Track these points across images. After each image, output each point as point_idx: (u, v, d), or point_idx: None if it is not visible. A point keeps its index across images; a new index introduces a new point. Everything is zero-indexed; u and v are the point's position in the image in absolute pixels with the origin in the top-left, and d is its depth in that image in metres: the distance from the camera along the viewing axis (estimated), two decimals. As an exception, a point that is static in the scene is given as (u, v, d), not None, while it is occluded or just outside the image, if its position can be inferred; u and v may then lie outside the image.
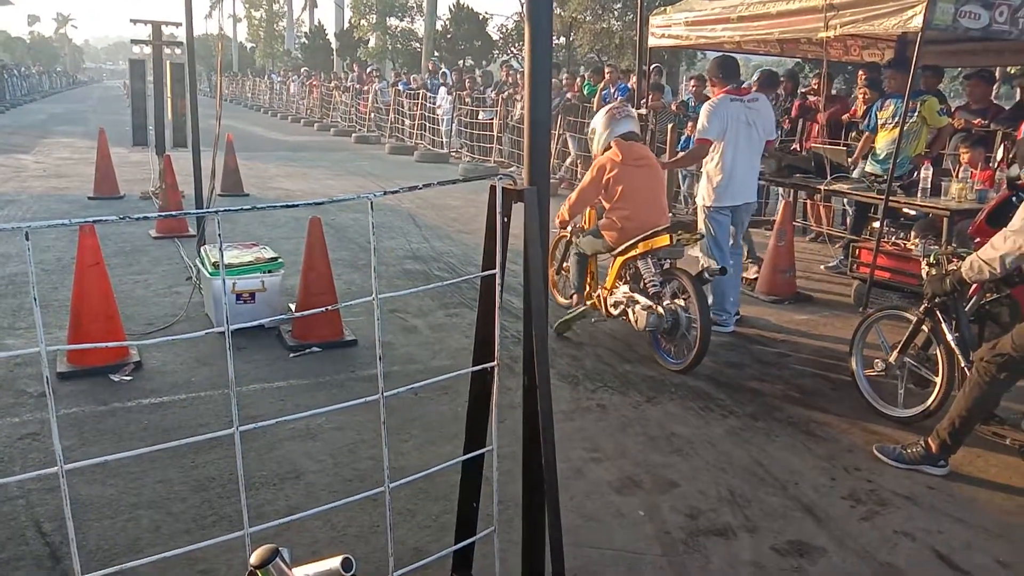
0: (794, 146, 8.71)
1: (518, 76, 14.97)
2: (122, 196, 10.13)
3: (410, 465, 3.39)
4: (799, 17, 6.02)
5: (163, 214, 1.68)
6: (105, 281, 4.46)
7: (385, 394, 1.90)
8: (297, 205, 1.96)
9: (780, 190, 8.35)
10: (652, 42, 8.11)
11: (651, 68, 12.51)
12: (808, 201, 8.56)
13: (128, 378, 4.32)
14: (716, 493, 3.27)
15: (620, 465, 3.49)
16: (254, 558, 1.55)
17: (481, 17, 27.07)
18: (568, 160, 12.59)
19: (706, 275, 4.75)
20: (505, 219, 2.09)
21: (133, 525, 2.94)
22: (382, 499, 2.02)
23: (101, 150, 10.23)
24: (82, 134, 18.79)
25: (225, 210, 1.73)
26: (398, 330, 5.22)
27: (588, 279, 5.32)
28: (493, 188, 2.07)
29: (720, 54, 6.20)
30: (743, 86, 5.60)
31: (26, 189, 10.74)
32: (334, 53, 35.64)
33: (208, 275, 5.13)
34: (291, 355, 4.75)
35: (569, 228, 5.66)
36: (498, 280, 2.07)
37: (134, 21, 8.99)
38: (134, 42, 9.01)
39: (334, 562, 1.58)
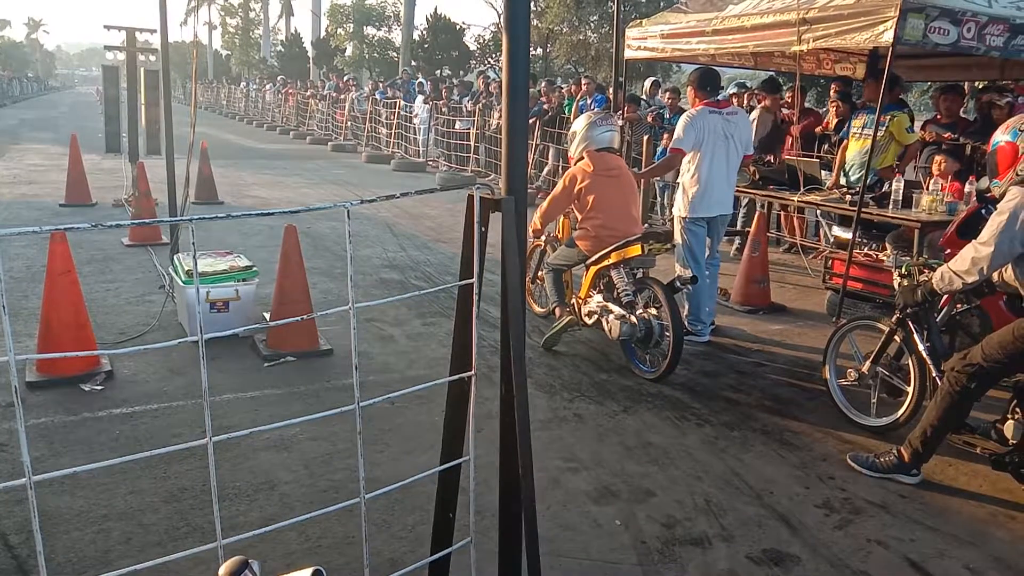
0: (768, 158, 8.80)
1: (494, 86, 15.02)
2: (94, 203, 9.99)
3: (386, 475, 3.36)
4: (773, 31, 6.10)
5: (136, 221, 1.66)
6: (76, 289, 4.40)
7: (361, 404, 1.88)
8: (272, 213, 1.95)
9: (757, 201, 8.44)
10: (628, 54, 8.17)
11: (650, 82, 12.61)
12: (782, 212, 8.66)
13: (99, 387, 4.25)
14: (692, 502, 3.29)
15: (597, 474, 3.50)
16: (223, 570, 1.53)
17: (458, 27, 27.15)
18: (545, 170, 12.63)
19: (677, 283, 4.78)
20: (483, 229, 2.09)
21: (103, 537, 2.89)
22: (357, 510, 2.00)
23: (73, 157, 10.09)
24: (53, 140, 18.54)
25: (199, 218, 1.71)
26: (375, 339, 5.19)
27: (567, 290, 5.33)
28: (471, 197, 2.07)
29: (699, 66, 6.26)
30: (721, 99, 5.66)
31: (-5, 196, 10.57)
32: (310, 61, 35.53)
33: (182, 283, 5.07)
34: (266, 364, 4.71)
35: (543, 237, 5.68)
36: (475, 289, 2.07)
37: (108, 27, 8.91)
38: (107, 48, 8.93)
39: (305, 574, 1.56)
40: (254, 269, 5.24)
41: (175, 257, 5.52)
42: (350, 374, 4.53)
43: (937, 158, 6.41)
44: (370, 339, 5.17)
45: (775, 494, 3.38)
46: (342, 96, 22.12)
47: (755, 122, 8.38)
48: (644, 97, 11.83)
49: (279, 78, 32.03)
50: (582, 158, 5.10)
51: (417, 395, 4.10)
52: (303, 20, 43.44)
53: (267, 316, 5.27)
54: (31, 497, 1.56)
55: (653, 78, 14.06)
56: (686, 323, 5.16)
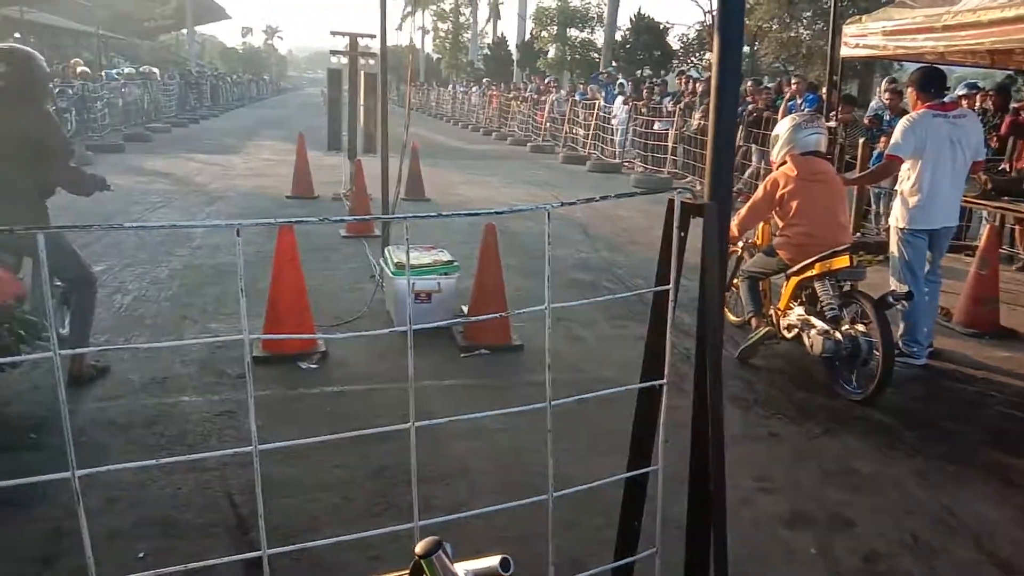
0: (1003, 166, 7.93)
1: (696, 85, 14.67)
2: (316, 197, 10.90)
3: (572, 475, 3.39)
4: (1016, 26, 5.48)
5: (358, 217, 1.79)
6: (299, 276, 4.82)
7: (552, 403, 1.92)
8: (478, 214, 2.03)
9: (984, 213, 7.63)
10: (845, 52, 7.67)
11: (886, 82, 11.77)
12: (1017, 227, 7.76)
13: (315, 367, 4.63)
14: (897, 537, 3.04)
15: (791, 498, 3.32)
16: (419, 548, 1.62)
17: (662, 27, 26.77)
18: (747, 172, 12.17)
19: (890, 299, 4.41)
20: (682, 234, 2.05)
21: (312, 505, 3.15)
22: (544, 506, 2.04)
23: (299, 153, 11.08)
24: (283, 137, 20.41)
25: (413, 216, 1.82)
26: (565, 339, 5.25)
27: (765, 300, 5.11)
28: (671, 202, 2.04)
29: (922, 65, 5.76)
30: (947, 101, 5.17)
31: (233, 187, 11.83)
32: (514, 64, 36.54)
33: (391, 274, 5.41)
34: (462, 355, 4.92)
35: (740, 243, 5.47)
36: (671, 296, 2.04)
37: (334, 33, 9.68)
38: (333, 53, 9.69)
39: (493, 561, 1.62)
40: (455, 264, 5.48)
41: (386, 249, 5.90)
42: (539, 370, 4.64)
43: None
44: (560, 338, 5.24)
45: (995, 538, 3.04)
46: (543, 98, 22.56)
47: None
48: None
49: (484, 80, 33.25)
50: (784, 162, 4.86)
51: (605, 397, 4.10)
52: (509, 24, 44.87)
53: (465, 309, 5.49)
54: (256, 464, 1.73)
55: (890, 75, 13.06)
56: (899, 343, 4.78)
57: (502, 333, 5.10)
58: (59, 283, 4.29)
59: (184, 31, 47.73)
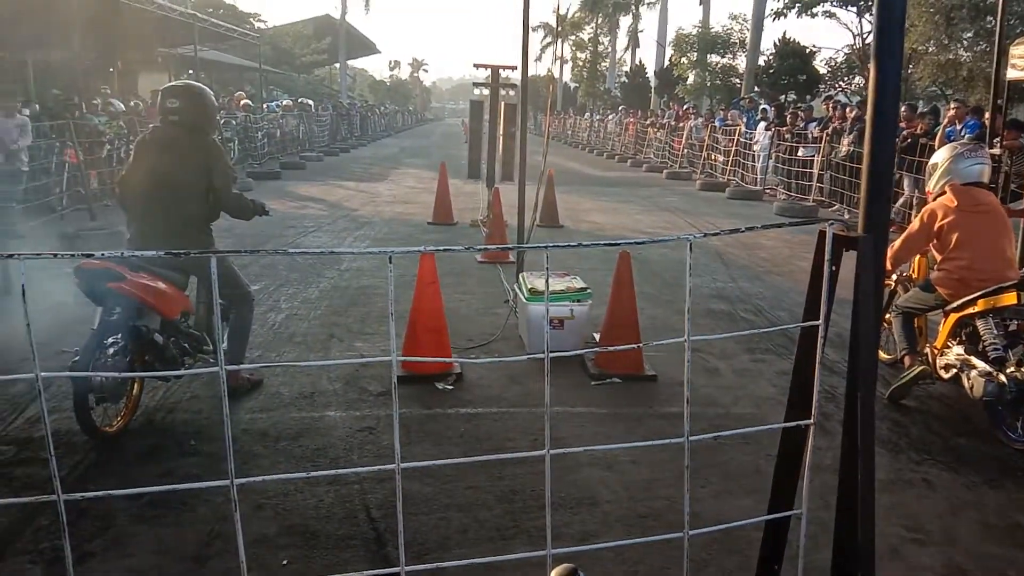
0: None
1: (846, 111, 14.05)
2: (455, 223, 11.22)
3: (706, 512, 3.30)
4: None
5: (503, 246, 1.84)
6: (438, 299, 4.97)
7: (691, 438, 1.88)
8: (618, 244, 2.02)
9: None
10: (1012, 74, 7.14)
11: None
12: None
13: (450, 387, 4.75)
14: (1073, 606, 2.75)
15: (947, 552, 3.08)
16: (554, 574, 1.64)
17: (807, 51, 25.85)
18: (899, 202, 11.50)
19: (1066, 341, 4.04)
20: (833, 268, 1.96)
21: (444, 525, 3.22)
22: (677, 542, 1.99)
23: (441, 181, 11.47)
24: (425, 166, 21.20)
25: (554, 245, 1.84)
26: (700, 371, 5.12)
27: (920, 337, 4.79)
28: (822, 233, 1.96)
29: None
30: None
31: (379, 213, 12.37)
32: (652, 91, 36.33)
33: (524, 300, 5.48)
34: (592, 383, 4.89)
35: (893, 277, 5.16)
36: (821, 333, 1.95)
37: (477, 65, 9.99)
38: (475, 85, 10.00)
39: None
40: (588, 291, 5.48)
41: (520, 275, 5.98)
42: (673, 401, 4.56)
43: None
44: (696, 370, 5.12)
45: None
46: (681, 124, 22.29)
47: None
48: None
49: (620, 108, 33.20)
50: (943, 192, 4.57)
51: (742, 434, 3.97)
52: (648, 51, 44.70)
53: (596, 336, 5.47)
54: (398, 481, 1.78)
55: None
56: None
57: (635, 363, 5.04)
58: (221, 301, 4.62)
59: (337, 65, 50.64)
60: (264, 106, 24.20)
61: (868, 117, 1.92)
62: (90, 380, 3.68)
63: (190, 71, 22.16)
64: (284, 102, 26.55)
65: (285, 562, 2.95)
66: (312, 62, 43.58)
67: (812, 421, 1.99)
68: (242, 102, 20.95)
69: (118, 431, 3.94)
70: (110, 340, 3.87)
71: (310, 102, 28.26)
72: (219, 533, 3.11)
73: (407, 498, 3.41)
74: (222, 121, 15.98)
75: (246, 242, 9.13)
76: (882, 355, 5.29)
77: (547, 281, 1.65)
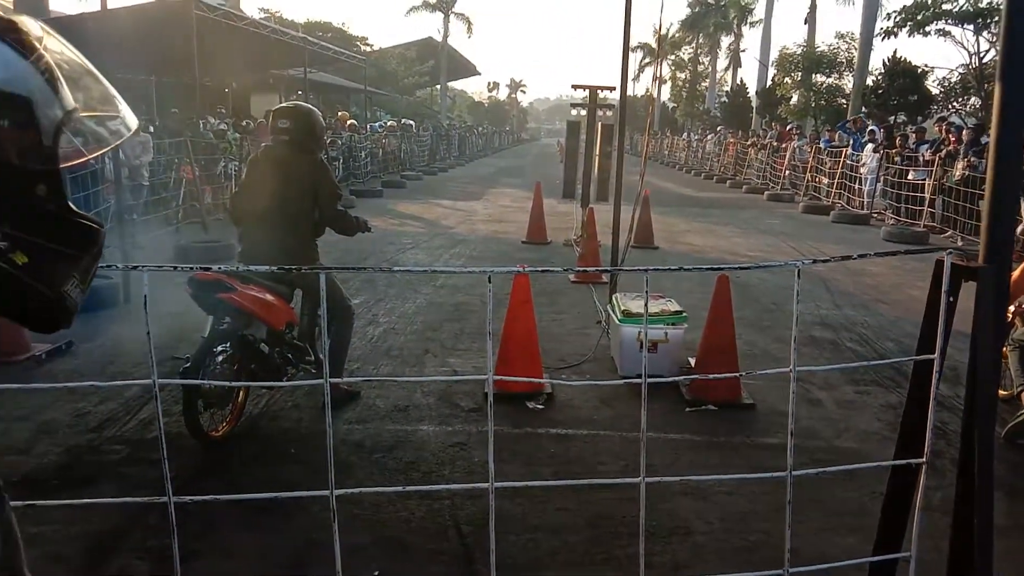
0: None
1: (963, 134, 13.37)
2: (549, 242, 11.25)
3: (805, 549, 3.16)
4: None
5: (603, 268, 1.83)
6: (531, 318, 4.98)
7: (794, 472, 1.81)
8: (720, 268, 1.99)
9: None
10: None
11: None
12: None
13: (541, 407, 4.74)
14: None
15: (1073, 607, 2.85)
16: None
17: (919, 70, 24.77)
18: (1020, 228, 10.81)
19: None
20: (950, 299, 1.87)
21: (533, 546, 3.20)
22: (777, 580, 1.92)
23: (535, 201, 11.54)
24: (520, 185, 21.38)
25: (654, 269, 1.82)
26: (801, 401, 4.94)
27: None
28: (939, 263, 1.87)
29: None
30: None
31: (475, 231, 12.55)
32: (753, 111, 35.58)
33: (617, 321, 5.42)
34: (687, 409, 4.79)
35: (1012, 308, 4.85)
36: (936, 367, 1.85)
37: (575, 87, 10.04)
38: (573, 105, 10.06)
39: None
40: (684, 314, 5.38)
41: (613, 296, 5.93)
42: (771, 431, 4.41)
43: None
44: (797, 400, 4.93)
45: None
46: (783, 145, 21.73)
47: None
48: None
49: (719, 128, 32.63)
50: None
51: (846, 470, 3.80)
52: (749, 70, 43.84)
53: (691, 361, 5.36)
54: (491, 501, 1.80)
55: None
56: None
57: (732, 390, 4.90)
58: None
59: (438, 86, 51.89)
60: (368, 126, 25.01)
61: (992, 138, 1.82)
62: (199, 386, 3.87)
63: (299, 91, 23.14)
64: (388, 123, 27.36)
65: (376, 573, 3.00)
66: (415, 83, 44.78)
67: (924, 460, 1.89)
68: (348, 122, 21.70)
69: (224, 436, 4.12)
70: (219, 348, 4.06)
71: (411, 122, 29.02)
72: (316, 541, 3.19)
73: (497, 516, 3.41)
74: (328, 141, 16.59)
75: (348, 257, 9.42)
76: (1001, 392, 4.98)
77: (646, 304, 1.63)
